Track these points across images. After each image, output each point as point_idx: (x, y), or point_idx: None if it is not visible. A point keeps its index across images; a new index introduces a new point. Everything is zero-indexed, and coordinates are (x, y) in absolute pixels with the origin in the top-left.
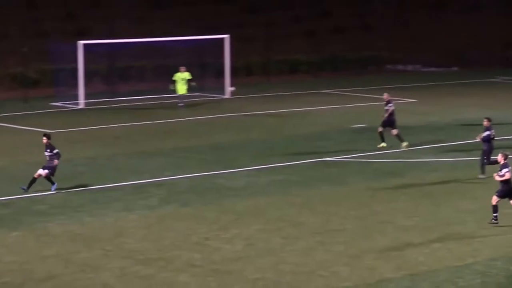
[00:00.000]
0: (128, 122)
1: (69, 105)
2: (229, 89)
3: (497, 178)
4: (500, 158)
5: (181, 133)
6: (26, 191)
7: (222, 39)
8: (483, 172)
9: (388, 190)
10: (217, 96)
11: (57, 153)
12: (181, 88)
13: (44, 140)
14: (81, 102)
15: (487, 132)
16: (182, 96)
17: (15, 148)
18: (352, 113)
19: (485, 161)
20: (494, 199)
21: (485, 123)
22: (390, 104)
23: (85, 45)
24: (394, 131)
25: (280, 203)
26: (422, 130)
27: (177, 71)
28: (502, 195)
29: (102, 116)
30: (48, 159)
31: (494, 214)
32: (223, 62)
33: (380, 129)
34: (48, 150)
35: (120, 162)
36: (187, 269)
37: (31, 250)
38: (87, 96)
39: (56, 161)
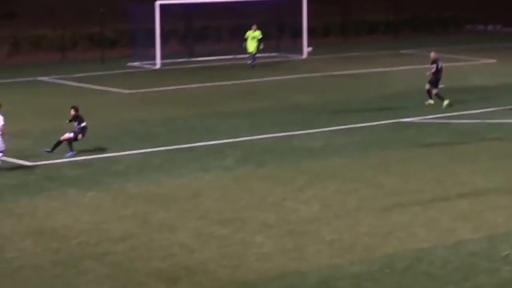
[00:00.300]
0: (204, 82)
1: (146, 65)
2: (306, 49)
3: None
4: None
5: (257, 93)
6: (50, 152)
7: None
8: None
9: (467, 151)
10: (294, 57)
11: (84, 127)
12: (251, 46)
13: (72, 112)
14: (158, 62)
15: None
16: (251, 55)
17: (92, 109)
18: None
19: None
20: None
21: None
22: (434, 64)
23: (161, 5)
24: (427, 86)
25: (357, 164)
26: (501, 91)
27: None
28: None
29: (179, 77)
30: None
31: None
32: (300, 22)
33: (435, 91)
34: (77, 122)
35: (196, 123)
36: (263, 229)
37: (107, 210)
38: (164, 57)
39: (80, 136)
